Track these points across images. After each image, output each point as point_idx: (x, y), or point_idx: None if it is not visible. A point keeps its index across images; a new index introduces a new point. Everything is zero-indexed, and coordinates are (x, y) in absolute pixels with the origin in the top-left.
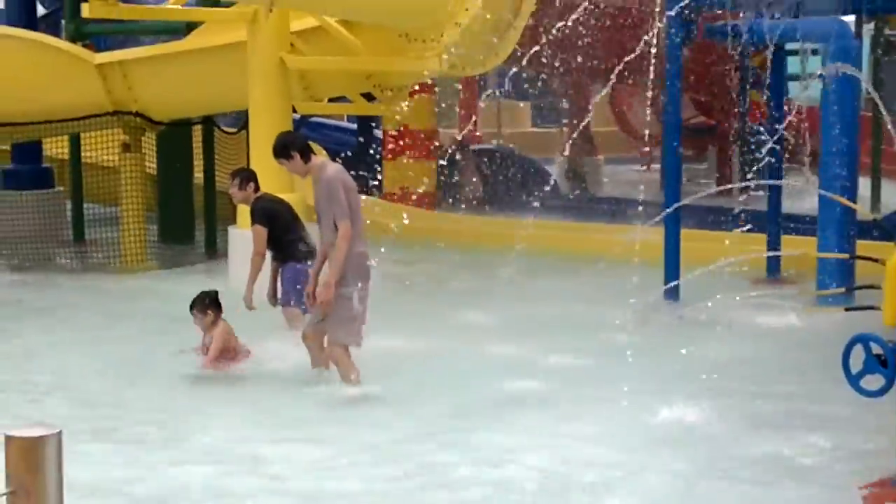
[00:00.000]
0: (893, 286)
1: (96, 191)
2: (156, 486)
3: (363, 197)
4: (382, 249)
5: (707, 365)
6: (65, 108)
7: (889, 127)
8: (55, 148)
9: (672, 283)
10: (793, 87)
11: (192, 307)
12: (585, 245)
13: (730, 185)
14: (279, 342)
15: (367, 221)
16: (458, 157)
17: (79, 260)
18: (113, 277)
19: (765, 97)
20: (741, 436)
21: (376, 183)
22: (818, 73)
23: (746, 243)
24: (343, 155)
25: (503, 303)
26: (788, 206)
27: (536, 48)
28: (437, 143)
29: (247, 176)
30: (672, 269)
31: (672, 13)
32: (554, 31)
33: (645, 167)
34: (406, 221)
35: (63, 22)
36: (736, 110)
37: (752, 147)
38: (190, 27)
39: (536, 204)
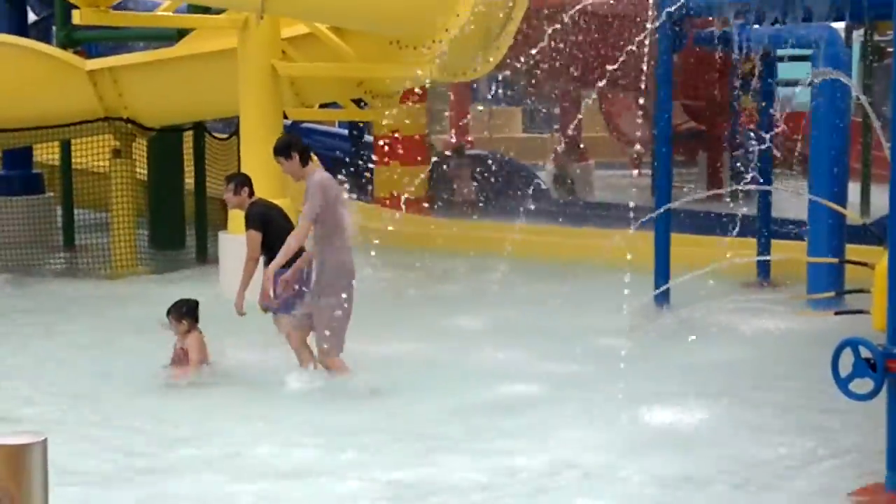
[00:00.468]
0: (882, 290)
1: (87, 196)
2: (144, 495)
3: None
4: (373, 253)
5: (697, 369)
6: (55, 115)
7: (879, 132)
8: (46, 154)
9: (662, 288)
10: (784, 92)
11: (168, 312)
12: (576, 250)
13: (720, 190)
14: (268, 347)
15: (356, 226)
16: (449, 162)
17: (69, 266)
18: (103, 283)
19: (756, 103)
20: (731, 440)
21: (367, 188)
22: (808, 79)
23: (737, 247)
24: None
25: (494, 307)
26: (779, 210)
27: (528, 54)
28: (431, 147)
29: (241, 181)
30: (662, 273)
31: (662, 20)
32: (545, 38)
33: (636, 172)
34: (390, 229)
35: (54, 29)
36: (726, 116)
37: (743, 152)
38: (181, 34)
39: (527, 209)
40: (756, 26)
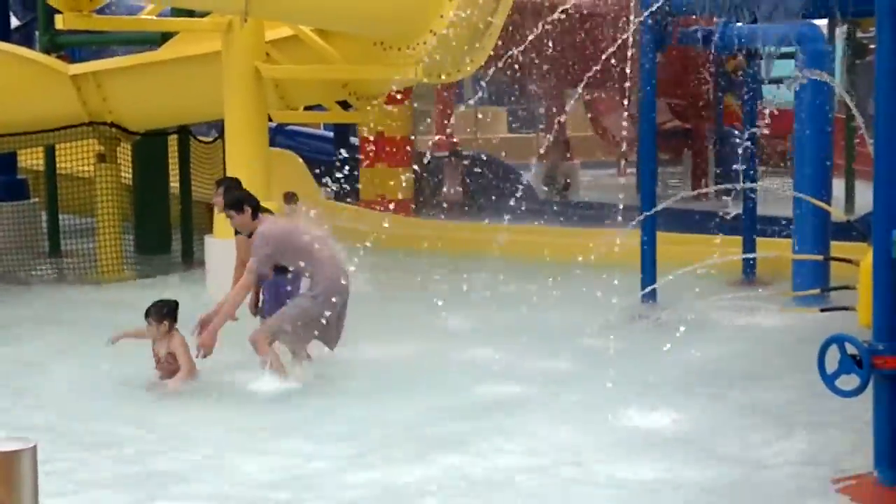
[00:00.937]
0: (867, 287)
1: (72, 202)
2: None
3: (340, 205)
4: (362, 253)
5: (683, 368)
6: (39, 120)
7: (862, 129)
8: (30, 159)
9: (649, 287)
10: (767, 90)
11: (147, 314)
12: (563, 249)
13: (705, 189)
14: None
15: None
16: (435, 163)
17: (55, 271)
18: (89, 288)
19: (740, 100)
20: (717, 438)
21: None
22: (791, 76)
23: (722, 246)
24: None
25: (482, 308)
26: (764, 208)
27: (512, 53)
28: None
29: (232, 185)
30: (649, 272)
31: (644, 17)
32: (530, 37)
33: (621, 171)
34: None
35: (37, 33)
36: (711, 114)
37: (728, 150)
38: (164, 37)
39: (513, 209)
40: (738, 24)
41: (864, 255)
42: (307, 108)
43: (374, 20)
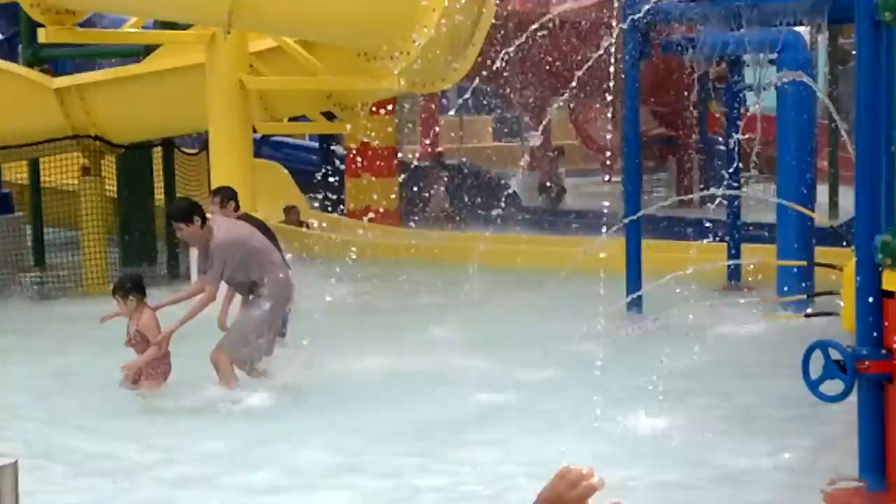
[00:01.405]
0: (851, 292)
1: (56, 215)
2: None
3: (325, 215)
4: (349, 261)
5: (669, 374)
6: (23, 133)
7: (845, 134)
8: (14, 173)
9: (634, 295)
10: (751, 97)
11: (114, 292)
12: (548, 257)
13: (689, 196)
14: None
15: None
16: (423, 173)
17: (40, 285)
18: (75, 301)
19: (723, 108)
20: (704, 443)
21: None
22: (773, 82)
23: (708, 252)
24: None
25: (469, 317)
26: (749, 214)
27: (497, 62)
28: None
29: (228, 195)
30: (634, 280)
31: (627, 25)
32: (513, 47)
33: (606, 179)
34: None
35: (20, 47)
36: (696, 121)
37: (710, 157)
38: (148, 50)
39: (499, 219)
40: (720, 32)
41: (848, 260)
42: (291, 119)
43: (357, 31)
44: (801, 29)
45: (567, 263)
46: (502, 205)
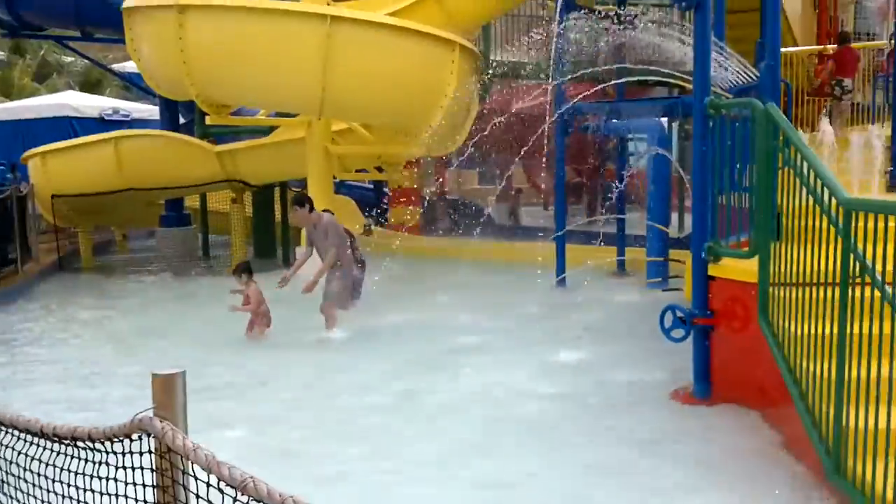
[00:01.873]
0: (689, 277)
1: (216, 227)
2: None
3: (377, 228)
4: (388, 259)
5: (581, 326)
6: (197, 178)
7: (687, 183)
8: (192, 201)
9: (560, 276)
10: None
11: (234, 272)
12: (510, 255)
13: (594, 218)
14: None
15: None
16: (434, 204)
17: (206, 268)
18: (227, 279)
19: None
20: (602, 369)
21: (385, 220)
22: (646, 151)
23: (605, 253)
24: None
25: (461, 290)
26: (629, 229)
27: (478, 138)
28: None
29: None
30: (561, 268)
31: (557, 116)
32: (489, 128)
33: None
34: (398, 243)
35: (195, 126)
36: (598, 174)
37: (608, 195)
38: (272, 129)
39: (480, 231)
40: (614, 121)
41: (688, 257)
42: (357, 171)
43: (398, 120)
44: (662, 119)
45: (522, 259)
46: (482, 223)
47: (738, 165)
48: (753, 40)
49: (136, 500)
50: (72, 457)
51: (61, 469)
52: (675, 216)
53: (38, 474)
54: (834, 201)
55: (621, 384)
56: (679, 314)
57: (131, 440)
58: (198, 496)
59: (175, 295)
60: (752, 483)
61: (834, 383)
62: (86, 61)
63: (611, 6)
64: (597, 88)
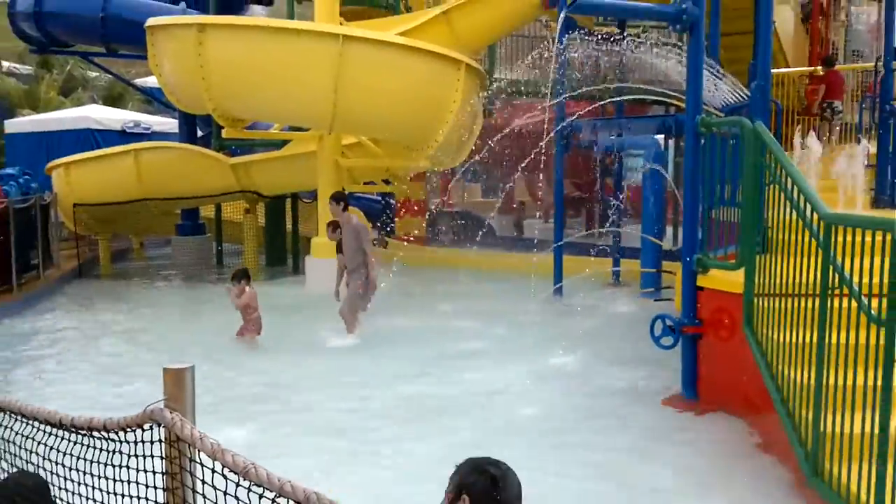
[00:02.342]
0: (679, 287)
1: (230, 235)
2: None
3: (387, 238)
4: (395, 269)
5: (577, 332)
6: (212, 189)
7: (680, 199)
8: (207, 211)
9: (558, 286)
10: (632, 174)
11: (231, 278)
12: (511, 264)
13: (591, 231)
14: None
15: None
16: (438, 216)
17: (219, 276)
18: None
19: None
20: (595, 373)
21: (391, 230)
22: (642, 167)
23: (601, 264)
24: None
25: (463, 298)
26: (625, 242)
27: (484, 152)
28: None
29: (336, 225)
30: (558, 277)
31: (557, 132)
32: (492, 143)
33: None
34: (402, 253)
35: (212, 139)
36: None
37: (605, 209)
38: (285, 142)
39: (482, 242)
40: (612, 137)
41: (677, 269)
42: (366, 183)
43: (406, 135)
44: (658, 136)
45: (522, 269)
46: (484, 234)
47: (727, 181)
48: (747, 62)
49: (147, 486)
50: (88, 446)
51: (77, 458)
52: (670, 230)
53: (57, 463)
54: (815, 216)
55: (614, 389)
56: (669, 323)
57: (143, 430)
58: (203, 482)
59: (189, 300)
60: (736, 485)
61: (813, 390)
62: (109, 76)
63: (610, 27)
64: (594, 106)
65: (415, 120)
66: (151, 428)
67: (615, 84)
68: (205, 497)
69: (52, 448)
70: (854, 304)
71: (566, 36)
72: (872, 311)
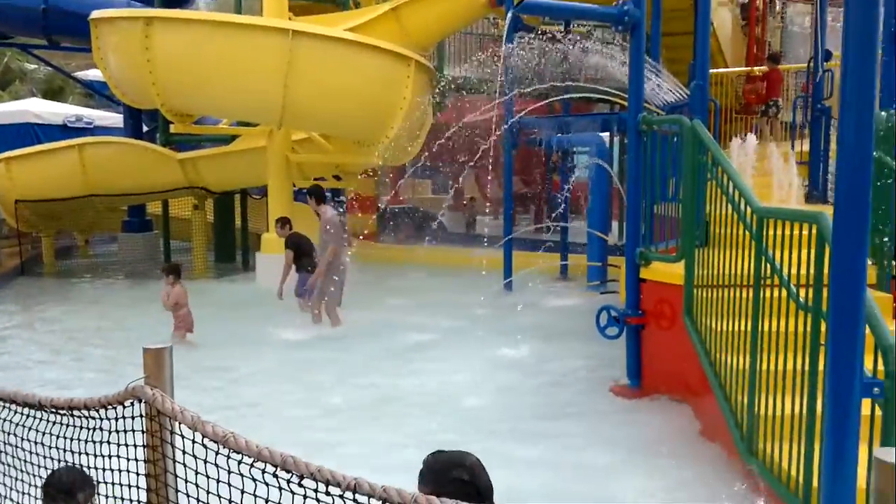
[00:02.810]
0: (623, 280)
1: (178, 232)
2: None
3: None
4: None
5: (526, 325)
6: (160, 185)
7: (623, 194)
8: (154, 207)
9: (508, 280)
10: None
11: (163, 271)
12: (461, 259)
13: (540, 226)
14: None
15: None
16: (389, 212)
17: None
18: (186, 282)
19: (559, 177)
20: (544, 363)
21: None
22: (588, 164)
23: (549, 258)
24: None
25: (415, 293)
26: (572, 237)
27: (433, 149)
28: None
29: (285, 221)
30: (507, 272)
31: (505, 129)
32: (442, 140)
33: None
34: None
35: (158, 134)
36: (545, 184)
37: (553, 205)
38: (233, 137)
39: (432, 238)
40: (559, 135)
41: (622, 263)
42: (316, 179)
43: (356, 131)
44: (602, 134)
45: (473, 263)
46: (435, 229)
47: (668, 177)
48: (688, 61)
49: (128, 460)
50: (67, 425)
51: (58, 437)
52: (616, 224)
53: (37, 443)
54: (749, 210)
55: (562, 379)
56: (613, 314)
57: (124, 406)
58: (184, 452)
59: (134, 299)
60: (678, 464)
61: (748, 375)
62: (49, 69)
63: (556, 25)
64: (541, 104)
65: (365, 116)
66: (133, 404)
67: (561, 82)
68: (185, 466)
69: (30, 429)
70: (785, 293)
71: (513, 34)
72: (801, 300)
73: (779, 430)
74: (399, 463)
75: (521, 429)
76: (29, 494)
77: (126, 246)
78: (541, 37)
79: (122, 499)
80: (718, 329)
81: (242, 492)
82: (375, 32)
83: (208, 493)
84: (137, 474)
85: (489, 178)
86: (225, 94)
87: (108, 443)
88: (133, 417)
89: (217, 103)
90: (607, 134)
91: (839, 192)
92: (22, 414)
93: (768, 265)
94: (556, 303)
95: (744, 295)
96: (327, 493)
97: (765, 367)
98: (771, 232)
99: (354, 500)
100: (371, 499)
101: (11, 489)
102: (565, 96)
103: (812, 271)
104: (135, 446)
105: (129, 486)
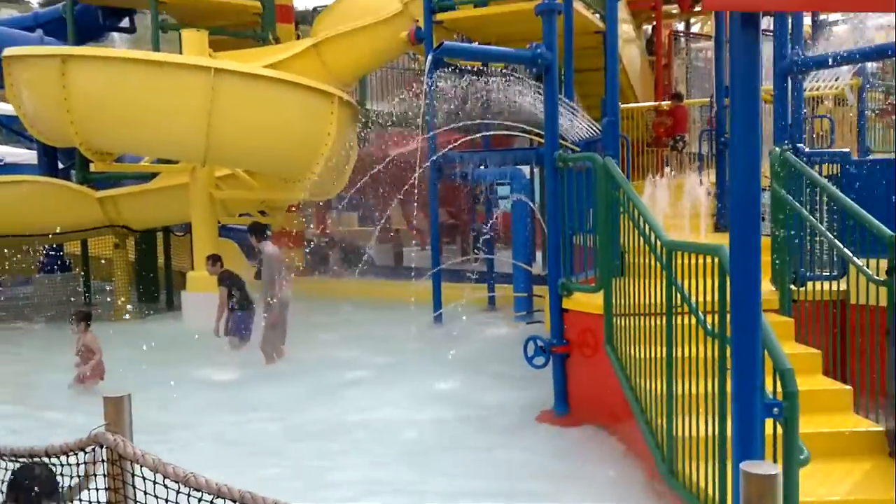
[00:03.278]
0: (548, 309)
1: (99, 272)
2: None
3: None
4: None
5: (456, 357)
6: (78, 224)
7: (545, 226)
8: (73, 247)
9: (437, 313)
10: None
11: (72, 317)
12: (390, 292)
13: (466, 258)
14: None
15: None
16: (317, 245)
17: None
18: (109, 324)
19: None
20: (474, 393)
21: None
22: (510, 197)
23: (477, 290)
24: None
25: (344, 327)
26: (499, 268)
27: (359, 183)
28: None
29: (216, 259)
30: (437, 304)
31: (430, 163)
32: (369, 175)
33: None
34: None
35: (75, 172)
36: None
37: (479, 236)
38: (154, 175)
39: (361, 271)
40: (481, 168)
41: (546, 293)
42: (241, 215)
43: (281, 168)
44: (524, 168)
45: (401, 295)
46: (363, 263)
47: (585, 210)
48: (600, 95)
49: (90, 503)
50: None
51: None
52: (539, 255)
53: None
54: (658, 242)
55: (492, 408)
56: (540, 343)
57: (85, 452)
58: (146, 493)
59: (52, 342)
60: (602, 486)
61: (665, 399)
62: None
63: (475, 63)
64: (464, 140)
65: (290, 153)
66: (94, 450)
67: (480, 119)
68: None
69: None
70: (694, 320)
71: (434, 73)
72: (709, 327)
73: (695, 450)
74: (338, 496)
75: (450, 459)
76: None
77: (42, 288)
78: (459, 75)
79: None
80: (637, 356)
81: None
82: (297, 68)
83: None
84: None
85: (414, 210)
86: (147, 133)
87: (71, 488)
88: (95, 462)
89: (139, 142)
90: (527, 168)
91: (733, 227)
92: None
93: (678, 294)
94: (486, 333)
95: (659, 323)
96: None
97: (680, 391)
98: (679, 262)
99: None
100: None
101: None
102: (486, 133)
103: (716, 298)
104: (97, 489)
105: None
